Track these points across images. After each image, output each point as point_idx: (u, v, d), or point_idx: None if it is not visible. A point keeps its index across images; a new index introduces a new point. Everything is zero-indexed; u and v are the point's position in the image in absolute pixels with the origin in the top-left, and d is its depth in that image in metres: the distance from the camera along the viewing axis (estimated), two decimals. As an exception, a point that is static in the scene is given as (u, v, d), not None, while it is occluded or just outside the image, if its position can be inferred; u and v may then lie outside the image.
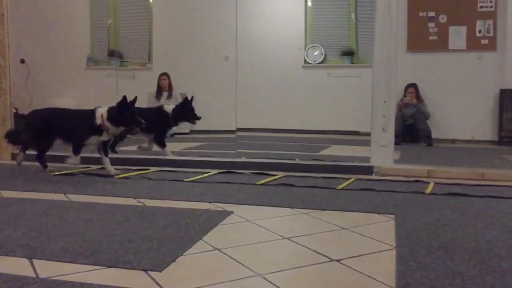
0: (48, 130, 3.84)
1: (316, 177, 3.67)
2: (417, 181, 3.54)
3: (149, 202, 2.82)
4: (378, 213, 2.58)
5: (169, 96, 7.79)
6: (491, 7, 7.36)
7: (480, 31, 7.44)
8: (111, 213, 2.52)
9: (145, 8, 9.02)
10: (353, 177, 3.64)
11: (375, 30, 3.66)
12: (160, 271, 1.69)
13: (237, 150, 4.85)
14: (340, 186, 3.29)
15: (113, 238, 2.06)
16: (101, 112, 3.70)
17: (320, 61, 8.35)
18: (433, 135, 7.20)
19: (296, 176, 3.72)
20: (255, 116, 8.09)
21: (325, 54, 8.34)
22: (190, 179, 3.54)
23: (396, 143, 6.74)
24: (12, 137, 4.15)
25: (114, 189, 3.25)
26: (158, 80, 7.92)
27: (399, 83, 7.35)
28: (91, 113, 3.73)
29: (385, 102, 3.75)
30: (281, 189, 3.23)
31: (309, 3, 8.41)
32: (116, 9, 9.12)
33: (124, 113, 3.67)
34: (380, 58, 3.65)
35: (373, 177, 3.76)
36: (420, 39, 7.65)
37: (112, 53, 9.04)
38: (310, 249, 1.96)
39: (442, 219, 2.44)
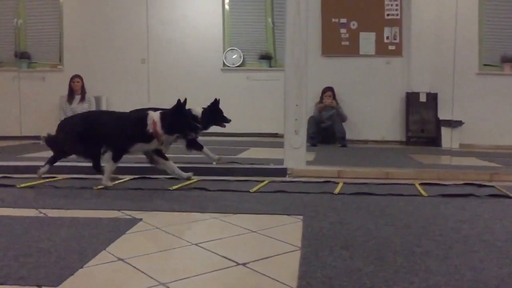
0: (92, 135, 3.41)
1: (230, 181, 3.68)
2: (327, 181, 3.67)
3: (52, 213, 2.67)
4: (287, 215, 2.64)
5: (82, 99, 7.47)
6: (397, 15, 7.84)
7: (387, 38, 7.89)
8: (8, 226, 2.35)
9: (55, 7, 8.59)
10: (267, 180, 3.70)
11: (286, 35, 3.75)
12: (56, 286, 1.60)
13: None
14: (253, 189, 3.32)
15: (7, 253, 1.92)
16: (154, 118, 3.33)
17: (238, 64, 8.42)
18: (348, 136, 7.53)
19: (211, 180, 3.70)
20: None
21: (243, 58, 8.42)
22: (100, 186, 3.41)
23: (312, 145, 7.01)
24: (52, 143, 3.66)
25: (14, 199, 3.04)
26: (70, 82, 7.56)
27: (316, 86, 7.65)
28: (143, 118, 3.35)
29: (297, 105, 3.85)
30: (194, 194, 3.21)
31: (227, 7, 8.46)
32: (24, 8, 8.60)
33: (180, 119, 3.34)
34: (291, 62, 3.74)
35: (286, 179, 3.84)
36: (333, 44, 7.97)
37: (19, 54, 8.51)
38: (218, 254, 1.96)
39: (347, 218, 2.54)
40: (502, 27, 8.11)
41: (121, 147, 3.40)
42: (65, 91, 7.66)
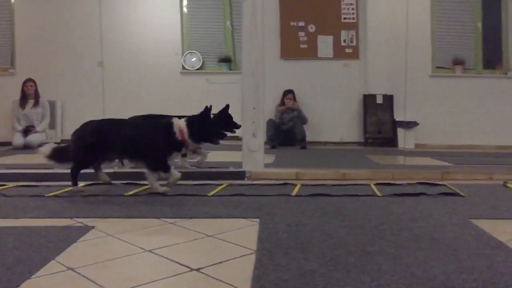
0: (104, 144, 3.23)
1: (188, 185, 3.65)
2: (285, 184, 3.69)
3: (0, 222, 2.56)
4: (244, 218, 2.63)
5: (36, 103, 7.25)
6: (353, 18, 8.00)
7: (344, 41, 8.03)
8: (-50, 238, 2.24)
9: (7, 8, 8.29)
10: (226, 183, 3.69)
11: (242, 38, 3.75)
12: (0, 299, 1.53)
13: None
14: (211, 193, 3.30)
15: None
16: (180, 126, 3.19)
17: (198, 67, 8.37)
18: (308, 138, 7.61)
19: (168, 185, 3.65)
20: (131, 123, 7.85)
21: (203, 61, 8.38)
22: (52, 193, 3.30)
23: (272, 147, 7.05)
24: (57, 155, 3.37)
25: (-40, 209, 2.91)
26: (23, 86, 7.31)
27: (276, 89, 7.70)
28: (169, 126, 3.21)
29: (254, 108, 3.86)
30: (150, 199, 3.16)
31: (185, 10, 8.40)
32: (-28, 9, 8.26)
33: (208, 126, 3.23)
34: (248, 65, 3.75)
35: (245, 182, 3.84)
36: (292, 47, 8.05)
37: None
38: (171, 260, 1.93)
39: (303, 220, 2.56)
40: (453, 30, 8.42)
41: (163, 158, 3.25)
42: (17, 96, 7.40)
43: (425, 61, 8.20)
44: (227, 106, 3.65)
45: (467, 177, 4.06)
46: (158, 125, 3.37)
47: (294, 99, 7.79)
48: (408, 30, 7.63)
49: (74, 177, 3.34)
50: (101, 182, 3.55)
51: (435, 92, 8.11)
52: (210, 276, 1.75)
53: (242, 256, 1.99)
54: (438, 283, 1.63)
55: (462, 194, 3.27)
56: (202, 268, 1.83)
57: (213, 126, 3.33)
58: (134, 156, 3.36)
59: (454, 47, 8.40)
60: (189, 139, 3.22)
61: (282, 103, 7.76)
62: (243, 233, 2.37)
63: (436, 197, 3.20)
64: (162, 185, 3.32)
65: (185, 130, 3.20)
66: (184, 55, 8.36)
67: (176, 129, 3.21)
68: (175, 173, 3.28)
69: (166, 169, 3.26)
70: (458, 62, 8.27)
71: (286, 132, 7.60)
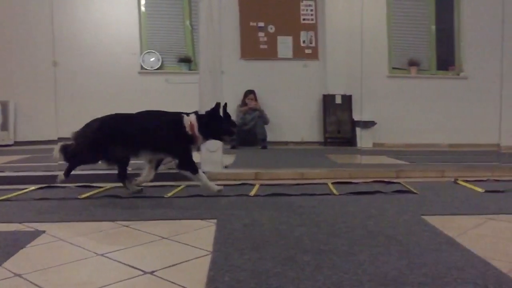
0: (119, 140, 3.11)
1: (145, 187, 3.58)
2: (244, 184, 3.69)
3: None
4: (201, 219, 2.61)
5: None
6: (312, 20, 8.10)
7: (304, 42, 8.12)
8: None
9: (-46, 4, 7.92)
10: (184, 184, 3.64)
11: (199, 38, 3.72)
12: None
13: (59, 162, 4.47)
14: (169, 194, 3.26)
15: None
16: (191, 121, 3.12)
17: (157, 67, 8.26)
18: (269, 138, 7.65)
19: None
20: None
21: (162, 61, 8.27)
22: (1, 198, 3.17)
23: (232, 147, 7.03)
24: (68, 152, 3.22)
25: None
26: (-29, 86, 7.00)
27: (237, 89, 7.69)
28: (179, 120, 3.12)
29: (212, 108, 3.82)
30: (105, 202, 3.08)
31: (143, 8, 8.27)
32: None
33: (218, 122, 3.17)
34: (205, 65, 3.72)
35: (204, 182, 3.80)
36: (252, 48, 8.07)
37: None
38: (124, 264, 1.89)
39: (260, 220, 2.56)
40: (409, 33, 8.66)
41: (189, 153, 3.19)
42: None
43: (382, 62, 8.40)
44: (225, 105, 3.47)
45: (421, 175, 4.18)
46: (168, 119, 3.28)
47: (256, 99, 7.81)
48: (365, 32, 7.80)
49: (69, 170, 3.22)
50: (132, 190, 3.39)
51: (392, 92, 8.32)
52: (163, 279, 1.72)
53: (197, 257, 1.97)
54: (389, 279, 1.67)
55: (415, 191, 3.36)
56: (156, 271, 1.80)
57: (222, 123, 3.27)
58: (142, 152, 3.23)
59: (410, 49, 8.64)
60: (199, 134, 3.17)
61: (244, 103, 7.76)
62: (200, 234, 2.34)
63: (391, 195, 3.27)
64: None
65: (196, 124, 3.14)
66: (143, 54, 8.23)
67: (186, 123, 3.15)
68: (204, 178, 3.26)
69: (193, 169, 3.23)
70: (413, 63, 8.52)
71: (247, 132, 7.60)
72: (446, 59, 8.77)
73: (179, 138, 3.15)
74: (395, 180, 3.87)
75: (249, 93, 7.79)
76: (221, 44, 3.77)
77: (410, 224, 2.47)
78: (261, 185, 3.65)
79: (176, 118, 3.19)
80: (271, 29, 8.05)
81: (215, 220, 2.57)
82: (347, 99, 8.11)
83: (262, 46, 8.07)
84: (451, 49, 8.75)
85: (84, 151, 3.16)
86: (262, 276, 1.71)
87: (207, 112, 3.24)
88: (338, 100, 8.12)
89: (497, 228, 2.42)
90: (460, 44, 8.64)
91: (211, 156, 3.87)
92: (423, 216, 2.62)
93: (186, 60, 8.29)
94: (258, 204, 2.97)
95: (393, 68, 8.55)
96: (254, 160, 5.68)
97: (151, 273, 1.78)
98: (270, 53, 8.10)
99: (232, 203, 3.00)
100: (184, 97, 8.18)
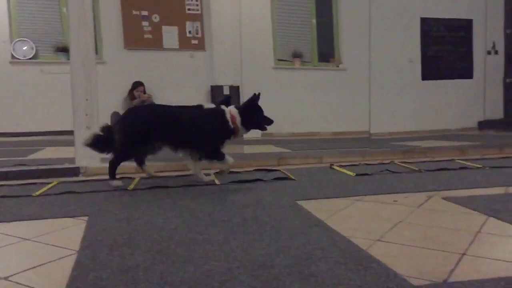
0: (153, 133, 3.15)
1: (12, 185, 3.29)
2: (122, 178, 3.54)
3: None
4: (71, 217, 2.45)
5: None
6: (198, 10, 8.02)
7: (190, 32, 8.02)
8: None
9: None
10: (56, 181, 3.40)
11: (70, 26, 3.47)
12: None
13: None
14: (38, 193, 3.02)
15: None
16: (233, 113, 3.23)
17: (30, 56, 7.62)
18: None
19: (-13, 187, 3.25)
20: None
21: (36, 50, 7.65)
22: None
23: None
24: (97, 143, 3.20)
25: None
26: None
27: (122, 80, 7.36)
28: (221, 113, 3.23)
29: (87, 99, 3.62)
30: (-40, 204, 2.76)
31: (12, -6, 7.56)
32: None
33: (257, 113, 3.27)
34: (77, 54, 3.49)
35: (79, 178, 3.60)
36: (136, 37, 7.79)
37: None
38: (-26, 271, 1.70)
39: (135, 214, 2.47)
40: (292, 26, 8.96)
41: (216, 146, 3.30)
42: None
43: (268, 54, 8.59)
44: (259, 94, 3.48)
45: (301, 162, 4.35)
46: (211, 112, 3.37)
47: (144, 91, 7.56)
48: (250, 24, 7.94)
49: (114, 169, 3.25)
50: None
51: (278, 84, 8.55)
52: (19, 283, 1.58)
53: (60, 258, 1.84)
54: (258, 263, 1.69)
55: (293, 178, 3.48)
56: (12, 275, 1.64)
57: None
58: (186, 145, 3.30)
59: (293, 41, 8.95)
60: (241, 126, 3.29)
61: (132, 95, 7.46)
62: (67, 233, 2.20)
63: (270, 182, 3.36)
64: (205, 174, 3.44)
65: (238, 117, 3.25)
66: (14, 43, 7.54)
67: (228, 116, 3.25)
68: (229, 159, 3.40)
69: (221, 157, 3.36)
70: (296, 55, 8.84)
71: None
72: (327, 51, 9.23)
73: (222, 131, 3.28)
74: (276, 168, 3.98)
75: (138, 85, 7.51)
76: (93, 30, 3.55)
77: (285, 209, 2.54)
78: (142, 178, 3.53)
79: (217, 110, 3.33)
80: (156, 18, 7.83)
81: (86, 218, 2.43)
82: (235, 90, 8.18)
83: (146, 36, 7.80)
84: (330, 42, 9.22)
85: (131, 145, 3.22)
86: (130, 272, 1.64)
87: (245, 104, 3.37)
88: (226, 91, 8.15)
89: (362, 208, 2.59)
90: (338, 37, 9.14)
91: (87, 150, 3.63)
92: (298, 201, 2.71)
93: (64, 50, 7.74)
94: (135, 198, 2.87)
95: (279, 60, 8.80)
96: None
97: (6, 278, 1.62)
98: (155, 43, 7.88)
99: (107, 199, 2.87)
100: (62, 88, 7.66)
